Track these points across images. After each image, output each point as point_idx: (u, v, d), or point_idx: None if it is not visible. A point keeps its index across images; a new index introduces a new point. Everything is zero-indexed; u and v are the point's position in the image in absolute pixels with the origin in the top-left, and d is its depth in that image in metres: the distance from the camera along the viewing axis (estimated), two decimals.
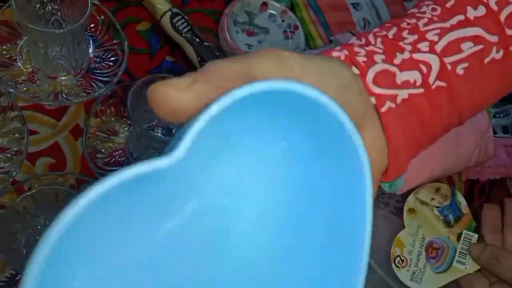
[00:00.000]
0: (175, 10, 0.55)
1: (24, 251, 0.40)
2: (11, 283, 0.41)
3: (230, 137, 0.21)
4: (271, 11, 0.62)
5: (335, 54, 0.26)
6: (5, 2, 0.50)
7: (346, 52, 0.26)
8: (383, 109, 0.25)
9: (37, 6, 0.46)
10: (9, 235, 0.37)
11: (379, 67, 0.25)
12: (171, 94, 0.19)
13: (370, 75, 0.25)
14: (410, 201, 0.48)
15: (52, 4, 0.46)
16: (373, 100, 0.25)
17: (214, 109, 0.18)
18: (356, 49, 0.26)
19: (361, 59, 0.26)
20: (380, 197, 0.56)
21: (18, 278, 0.41)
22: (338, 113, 0.20)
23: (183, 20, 0.55)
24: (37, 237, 0.42)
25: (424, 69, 0.26)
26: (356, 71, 0.25)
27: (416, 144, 0.27)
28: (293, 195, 0.22)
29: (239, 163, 0.22)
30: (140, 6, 0.58)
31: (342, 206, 0.21)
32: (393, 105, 0.25)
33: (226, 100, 0.18)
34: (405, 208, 0.48)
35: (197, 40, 0.55)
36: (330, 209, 0.22)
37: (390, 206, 0.57)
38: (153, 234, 0.21)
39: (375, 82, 0.25)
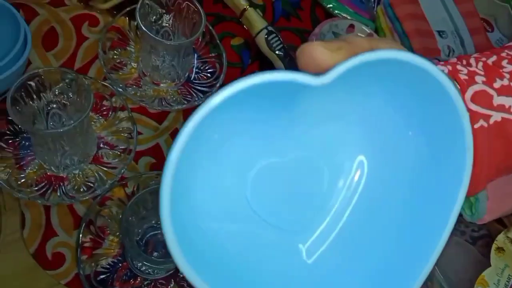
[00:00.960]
0: (270, 28, 0.58)
1: (136, 239, 0.44)
2: (116, 267, 0.44)
3: (355, 92, 0.23)
4: (358, 34, 0.64)
5: (439, 67, 0.28)
6: (120, 11, 0.55)
7: (450, 68, 0.28)
8: (476, 126, 0.27)
9: (154, 17, 0.50)
10: (129, 226, 0.40)
11: (478, 87, 0.27)
12: (320, 52, 0.22)
13: (469, 92, 0.27)
14: (500, 239, 0.48)
15: (167, 16, 0.50)
16: None
17: (362, 57, 0.20)
18: (459, 67, 0.28)
19: (462, 76, 0.28)
20: (457, 225, 0.57)
21: (120, 266, 0.45)
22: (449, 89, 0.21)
23: (276, 38, 0.58)
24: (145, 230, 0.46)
25: None
26: (457, 86, 0.27)
27: (497, 167, 0.28)
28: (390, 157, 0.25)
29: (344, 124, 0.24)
30: (234, 21, 0.61)
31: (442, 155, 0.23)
32: (485, 124, 0.27)
33: (368, 56, 0.21)
34: (494, 246, 0.48)
35: (288, 57, 0.57)
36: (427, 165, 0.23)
37: (466, 235, 0.57)
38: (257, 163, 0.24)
39: (473, 99, 0.27)
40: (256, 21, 0.58)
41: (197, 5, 0.48)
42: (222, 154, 0.23)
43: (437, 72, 0.21)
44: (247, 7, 0.59)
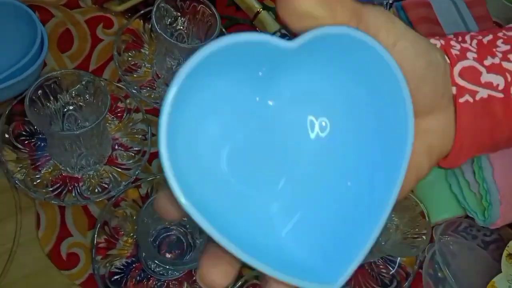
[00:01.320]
0: (283, 31, 0.58)
1: (150, 240, 0.44)
2: (130, 268, 0.44)
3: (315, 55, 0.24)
4: None
5: (432, 41, 0.28)
6: (134, 13, 0.55)
7: (443, 42, 0.28)
8: (461, 100, 0.27)
9: (169, 20, 0.50)
10: (144, 227, 0.41)
11: (468, 62, 0.27)
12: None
13: (458, 67, 0.27)
14: (511, 245, 0.48)
15: (182, 19, 0.50)
16: (454, 90, 0.27)
17: (329, 29, 0.22)
18: (452, 42, 0.28)
19: (454, 51, 0.28)
20: (469, 229, 0.57)
21: (134, 266, 0.45)
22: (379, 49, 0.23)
23: None
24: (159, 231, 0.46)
25: (509, 78, 0.28)
26: (447, 60, 0.27)
27: (479, 144, 0.28)
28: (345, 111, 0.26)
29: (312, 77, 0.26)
30: (247, 24, 0.61)
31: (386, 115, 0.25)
32: (471, 100, 0.27)
33: (330, 29, 0.22)
34: (505, 252, 0.48)
35: None
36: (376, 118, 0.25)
37: (478, 239, 0.57)
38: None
39: (461, 74, 0.27)
40: (269, 24, 0.58)
41: (213, 8, 0.48)
42: (203, 119, 0.24)
43: (378, 46, 0.23)
44: (261, 10, 0.59)
